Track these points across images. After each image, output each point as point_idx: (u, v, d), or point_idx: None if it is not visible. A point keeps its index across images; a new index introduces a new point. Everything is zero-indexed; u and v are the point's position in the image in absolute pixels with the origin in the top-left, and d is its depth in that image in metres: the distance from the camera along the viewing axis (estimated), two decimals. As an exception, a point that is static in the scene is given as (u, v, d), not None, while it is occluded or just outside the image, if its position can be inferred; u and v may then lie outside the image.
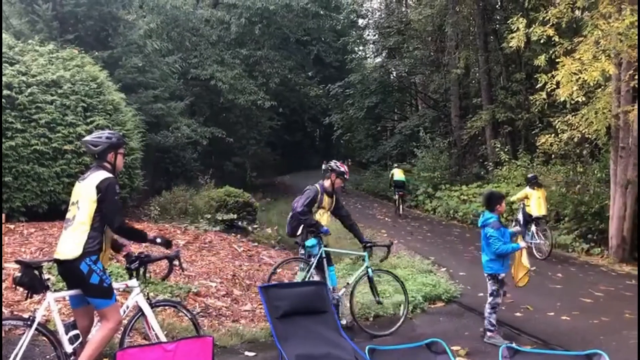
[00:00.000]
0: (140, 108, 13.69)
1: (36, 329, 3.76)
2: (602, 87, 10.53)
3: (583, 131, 10.71)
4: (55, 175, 9.66)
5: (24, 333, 3.78)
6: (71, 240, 3.89)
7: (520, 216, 11.72)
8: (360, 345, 4.19)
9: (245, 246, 10.21)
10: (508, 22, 12.03)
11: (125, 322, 4.23)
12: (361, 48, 35.70)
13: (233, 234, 11.13)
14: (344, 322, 5.85)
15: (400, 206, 18.48)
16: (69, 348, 3.84)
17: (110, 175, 4.04)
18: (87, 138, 4.32)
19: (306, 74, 32.28)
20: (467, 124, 21.74)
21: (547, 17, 10.22)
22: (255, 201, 13.56)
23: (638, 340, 5.49)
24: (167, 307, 5.47)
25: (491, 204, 5.85)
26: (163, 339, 4.25)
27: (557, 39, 10.19)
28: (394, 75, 29.18)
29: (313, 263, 6.05)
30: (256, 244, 10.88)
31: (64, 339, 3.84)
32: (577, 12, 11.31)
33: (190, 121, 18.85)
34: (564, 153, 14.01)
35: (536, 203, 11.23)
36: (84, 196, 3.95)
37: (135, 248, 6.14)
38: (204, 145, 20.15)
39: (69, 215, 4.04)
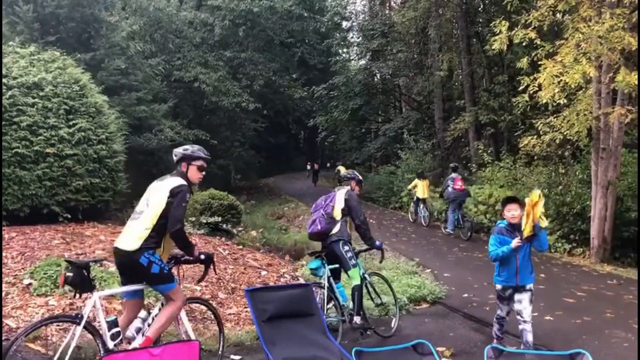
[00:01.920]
0: (124, 110, 13.59)
1: (84, 326, 3.94)
2: (583, 89, 10.67)
3: (565, 133, 10.84)
4: (36, 179, 9.54)
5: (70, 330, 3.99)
6: (133, 233, 4.14)
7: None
8: (346, 347, 4.20)
9: (230, 249, 10.17)
10: (490, 24, 12.14)
11: (155, 319, 4.36)
12: (345, 50, 35.78)
13: (217, 237, 11.08)
14: (357, 320, 5.76)
15: None
16: (110, 344, 4.03)
17: (184, 183, 4.30)
18: (179, 149, 4.53)
19: (290, 76, 32.26)
20: (450, 126, 21.90)
21: (529, 20, 10.32)
22: (239, 204, 13.50)
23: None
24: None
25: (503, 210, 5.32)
26: (192, 335, 4.47)
27: (539, 42, 10.29)
28: (378, 77, 29.29)
29: (325, 285, 5.70)
30: (241, 246, 10.84)
31: (107, 335, 4.04)
32: (559, 16, 11.44)
33: (173, 123, 18.75)
34: (546, 154, 14.16)
35: (421, 190, 16.37)
36: (157, 195, 4.24)
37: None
38: (188, 148, 20.04)
39: (137, 209, 4.31)
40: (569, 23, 10.27)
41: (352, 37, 32.86)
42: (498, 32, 10.60)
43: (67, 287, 5.58)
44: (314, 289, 5.23)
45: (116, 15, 15.65)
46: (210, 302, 5.59)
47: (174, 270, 4.44)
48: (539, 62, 10.15)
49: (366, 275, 6.28)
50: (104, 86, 12.42)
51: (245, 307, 6.73)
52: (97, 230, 9.48)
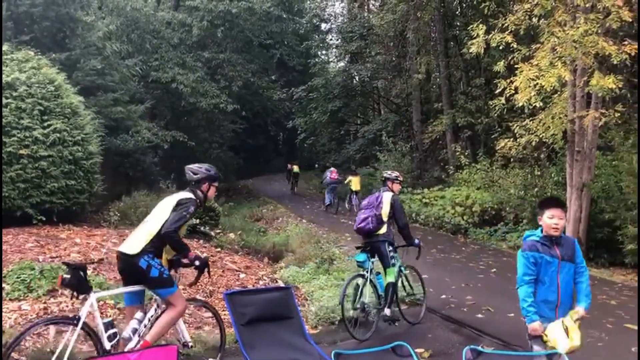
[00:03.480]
0: (100, 111, 13.40)
1: (81, 327, 4.06)
2: (558, 92, 10.83)
3: (540, 135, 10.99)
4: (10, 181, 9.35)
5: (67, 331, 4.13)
6: (136, 238, 4.37)
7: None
8: (325, 349, 4.19)
9: (208, 252, 10.09)
10: (468, 28, 12.26)
11: (151, 320, 4.46)
12: (324, 52, 35.80)
13: (195, 240, 10.99)
14: (387, 312, 6.35)
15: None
16: (107, 345, 4.14)
17: (193, 197, 4.57)
18: (191, 166, 4.79)
19: (269, 78, 32.16)
20: (428, 128, 22.08)
21: (506, 24, 10.45)
22: (217, 206, 13.41)
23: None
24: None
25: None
26: (188, 337, 4.71)
27: (515, 46, 10.43)
28: (357, 79, 29.35)
29: (368, 276, 6.34)
30: (219, 249, 10.76)
31: (104, 336, 4.15)
32: (534, 20, 11.60)
33: (150, 125, 18.55)
34: (522, 157, 14.35)
35: (354, 184, 20.47)
36: (165, 205, 4.49)
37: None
38: (165, 150, 19.87)
39: (147, 217, 4.56)
40: (545, 27, 10.43)
41: (331, 39, 32.91)
42: (475, 35, 10.71)
43: (61, 290, 5.73)
44: (356, 280, 6.31)
45: (92, 14, 15.42)
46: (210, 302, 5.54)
47: (173, 274, 4.54)
48: (516, 66, 10.28)
49: (402, 268, 6.83)
50: (80, 87, 12.23)
51: (224, 310, 6.68)
52: (72, 232, 9.33)
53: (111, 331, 4.20)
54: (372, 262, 6.48)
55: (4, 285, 6.13)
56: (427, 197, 18.13)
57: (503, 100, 10.77)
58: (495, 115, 14.38)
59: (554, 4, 10.09)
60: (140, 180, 17.12)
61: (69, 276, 4.10)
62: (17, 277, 6.19)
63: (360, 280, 6.35)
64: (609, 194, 11.36)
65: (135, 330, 4.35)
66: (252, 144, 34.99)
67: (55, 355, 3.99)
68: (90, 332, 4.18)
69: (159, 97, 21.55)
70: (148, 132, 17.22)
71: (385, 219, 6.53)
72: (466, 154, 18.44)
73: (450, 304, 7.75)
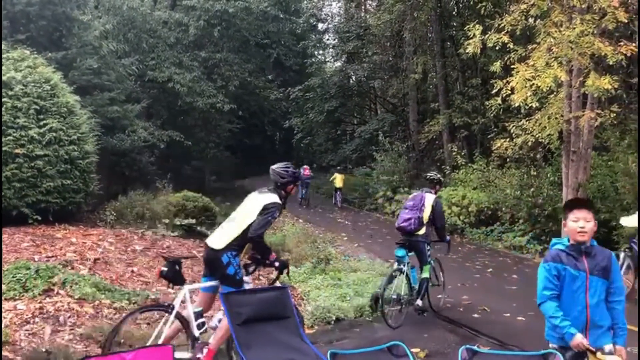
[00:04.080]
0: (96, 111, 13.36)
1: (174, 316, 4.47)
2: (555, 93, 10.85)
3: (536, 136, 11.01)
4: (5, 180, 9.32)
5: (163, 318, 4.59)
6: (224, 234, 4.69)
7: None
8: (321, 349, 4.19)
9: (204, 252, 10.07)
10: (464, 28, 12.28)
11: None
12: (321, 52, 35.82)
13: (192, 239, 10.97)
14: (420, 303, 6.85)
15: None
16: (196, 332, 4.52)
17: (279, 202, 4.82)
18: (277, 168, 5.05)
19: (266, 78, 32.16)
20: (424, 128, 22.11)
21: (502, 25, 10.46)
22: (214, 205, 13.39)
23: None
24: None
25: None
26: None
27: (511, 46, 10.44)
28: (354, 79, 29.40)
29: (406, 270, 6.80)
30: (216, 248, 10.74)
31: (194, 324, 4.52)
32: (531, 20, 11.62)
33: (147, 124, 18.50)
34: (519, 157, 14.38)
35: (339, 181, 22.80)
36: (252, 206, 4.76)
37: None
38: (162, 149, 19.83)
39: (233, 214, 4.87)
40: (541, 28, 10.44)
41: (327, 39, 32.98)
42: (472, 35, 10.72)
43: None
44: (394, 273, 6.73)
45: (88, 14, 15.37)
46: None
47: (243, 272, 4.82)
48: (512, 66, 10.29)
49: (431, 261, 7.21)
50: (76, 86, 12.20)
51: (220, 309, 6.67)
52: (68, 232, 9.31)
53: (200, 320, 4.56)
54: (409, 257, 6.94)
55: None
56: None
57: (499, 100, 10.78)
58: (492, 115, 14.41)
59: (550, 4, 10.11)
60: (136, 179, 17.09)
61: (166, 269, 4.53)
62: (13, 277, 6.16)
63: (397, 274, 6.79)
64: (604, 194, 11.39)
65: (220, 321, 4.68)
66: (248, 143, 34.98)
67: (151, 339, 4.41)
68: (182, 319, 4.56)
69: (156, 96, 21.50)
70: (144, 132, 17.18)
71: (425, 221, 6.94)
72: (462, 154, 18.45)
73: (446, 304, 7.76)
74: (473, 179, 16.76)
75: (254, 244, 4.73)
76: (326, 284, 8.33)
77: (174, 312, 4.46)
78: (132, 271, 7.61)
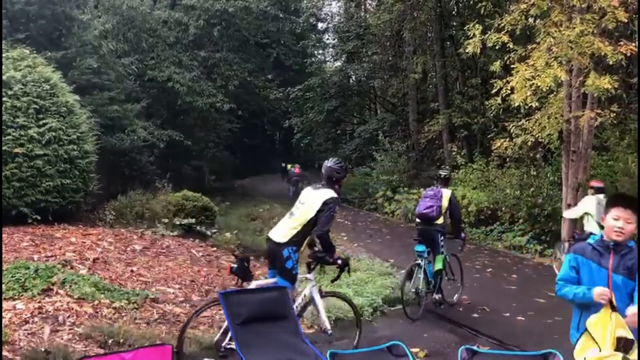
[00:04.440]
0: (95, 110, 13.34)
1: None
2: (554, 92, 10.85)
3: (536, 135, 11.01)
4: (5, 179, 9.31)
5: None
6: (286, 228, 4.95)
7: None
8: (321, 349, 4.18)
9: (204, 251, 10.07)
10: (464, 28, 12.28)
11: (299, 307, 5.09)
12: (321, 52, 35.80)
13: (191, 239, 10.96)
14: (437, 297, 7.23)
15: None
16: None
17: (336, 196, 5.04)
18: (331, 165, 5.22)
19: (266, 77, 32.12)
20: (424, 128, 22.11)
21: (502, 24, 10.46)
22: (214, 205, 13.38)
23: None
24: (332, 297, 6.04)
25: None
26: (328, 326, 5.18)
27: (511, 46, 10.44)
28: (353, 79, 29.38)
29: (423, 264, 7.15)
30: (215, 248, 10.74)
31: None
32: (531, 20, 11.62)
33: (146, 124, 18.48)
34: (518, 157, 14.39)
35: None
36: (311, 202, 4.97)
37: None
38: (161, 149, 19.81)
39: (293, 210, 5.09)
40: (541, 27, 10.44)
41: (327, 39, 32.99)
42: (472, 35, 10.72)
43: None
44: (414, 267, 7.09)
45: (88, 13, 15.35)
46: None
47: (317, 267, 5.18)
48: (512, 66, 10.29)
49: (447, 256, 7.50)
50: (76, 85, 12.18)
51: (219, 310, 6.67)
52: (67, 232, 9.30)
53: None
54: (428, 252, 7.25)
55: (-2, 284, 6.11)
56: (424, 197, 18.14)
57: (499, 100, 10.78)
58: (492, 115, 14.40)
59: (550, 4, 10.11)
60: (136, 179, 17.08)
61: (235, 266, 4.87)
62: (12, 276, 6.15)
63: (416, 268, 7.15)
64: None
65: None
66: (248, 143, 34.97)
67: (221, 330, 4.77)
68: None
69: (155, 96, 21.47)
70: (144, 131, 17.16)
71: (443, 211, 7.26)
72: (462, 153, 18.46)
73: (445, 304, 7.76)
74: (473, 179, 16.76)
75: (321, 241, 4.98)
76: (325, 283, 8.29)
77: None
78: (132, 271, 7.60)
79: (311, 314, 6.70)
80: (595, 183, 9.55)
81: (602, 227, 8.05)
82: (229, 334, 4.48)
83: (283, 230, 4.96)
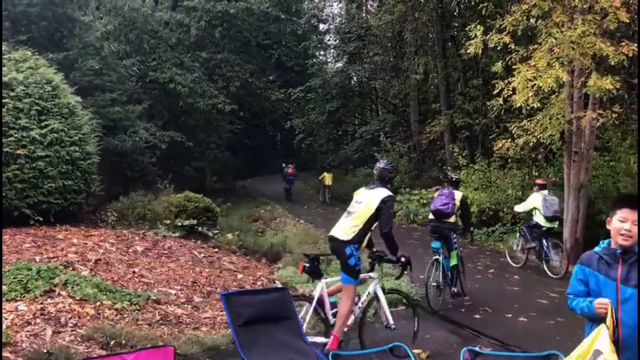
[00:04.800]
0: (97, 111, 13.37)
1: (314, 304, 5.08)
2: (556, 93, 10.83)
3: (538, 136, 10.99)
4: (7, 181, 9.34)
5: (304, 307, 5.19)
6: (346, 227, 5.15)
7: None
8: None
9: (205, 252, 10.08)
10: (466, 29, 12.26)
11: (364, 303, 5.39)
12: (322, 53, 35.79)
13: (193, 240, 10.97)
14: (454, 289, 7.75)
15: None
16: (331, 320, 5.13)
17: (391, 194, 5.29)
18: (383, 166, 5.55)
19: (267, 78, 32.11)
20: (426, 128, 22.09)
21: (504, 25, 10.45)
22: (215, 206, 13.40)
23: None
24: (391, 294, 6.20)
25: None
26: (391, 320, 5.37)
27: (513, 47, 10.43)
28: (355, 80, 29.35)
29: (441, 260, 7.62)
30: (217, 249, 10.75)
31: (329, 313, 5.16)
32: (532, 21, 11.61)
33: (148, 125, 18.51)
34: (520, 157, 14.36)
35: (327, 179, 24.64)
36: (369, 201, 5.17)
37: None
38: (163, 150, 19.82)
39: (350, 209, 5.32)
40: (543, 28, 10.43)
41: (329, 40, 32.92)
42: (473, 36, 10.71)
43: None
44: (433, 263, 7.59)
45: (90, 14, 15.39)
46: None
47: (377, 266, 5.45)
48: (513, 66, 10.28)
49: (458, 251, 7.98)
50: (77, 87, 12.21)
51: (221, 311, 6.67)
52: (69, 233, 9.31)
53: (335, 310, 5.16)
54: (444, 248, 7.73)
55: (0, 285, 6.11)
56: (425, 198, 18.13)
57: (501, 100, 10.77)
58: (493, 115, 14.38)
59: (551, 4, 10.10)
60: (137, 180, 17.09)
61: (308, 265, 5.20)
62: (14, 278, 6.16)
63: (435, 263, 7.66)
64: (606, 194, 11.37)
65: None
66: (249, 144, 34.94)
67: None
68: (319, 309, 5.15)
69: (157, 97, 21.49)
70: (146, 133, 17.19)
71: (455, 210, 7.82)
72: (464, 154, 18.43)
73: (447, 305, 7.75)
74: (474, 180, 16.73)
75: (386, 239, 5.21)
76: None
77: (314, 302, 5.06)
78: (134, 272, 7.61)
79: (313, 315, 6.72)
80: (539, 181, 11.00)
81: (548, 220, 9.75)
82: (305, 326, 4.84)
83: (345, 229, 5.16)
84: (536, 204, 10.25)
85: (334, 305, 5.21)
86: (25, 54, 10.71)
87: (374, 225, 5.16)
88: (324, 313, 5.18)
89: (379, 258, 5.42)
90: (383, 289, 5.58)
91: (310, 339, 4.64)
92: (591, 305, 2.85)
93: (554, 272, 9.89)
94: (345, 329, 5.11)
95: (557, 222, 10.32)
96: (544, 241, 10.16)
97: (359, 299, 5.32)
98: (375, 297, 5.48)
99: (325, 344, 4.95)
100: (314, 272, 5.24)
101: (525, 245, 10.68)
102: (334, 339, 4.93)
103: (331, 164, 28.71)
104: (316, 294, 5.14)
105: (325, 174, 25.39)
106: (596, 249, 3.01)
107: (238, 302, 4.00)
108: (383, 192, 5.19)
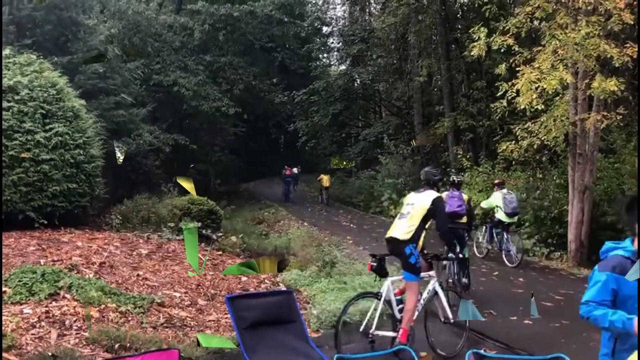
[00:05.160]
0: (101, 115, 13.41)
1: (383, 301, 5.34)
2: (560, 95, 10.82)
3: (542, 138, 10.98)
4: (12, 184, 9.37)
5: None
6: (404, 228, 5.44)
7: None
8: (327, 353, 4.17)
9: (209, 255, 10.08)
10: (469, 31, 12.25)
11: (425, 300, 5.68)
12: (325, 55, 35.84)
13: (197, 243, 10.97)
14: (465, 280, 8.25)
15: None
16: (398, 315, 5.43)
17: (440, 195, 5.68)
18: (429, 170, 6.04)
19: (271, 81, 32.18)
20: (429, 131, 22.04)
21: (507, 27, 10.45)
22: (219, 209, 13.40)
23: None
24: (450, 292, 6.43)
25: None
26: (450, 315, 5.68)
27: (516, 48, 10.43)
28: (358, 82, 29.37)
29: (453, 258, 7.74)
30: (221, 252, 10.76)
31: (396, 309, 5.46)
32: (536, 23, 11.60)
33: (152, 128, 18.57)
34: (524, 159, 14.31)
35: (325, 181, 25.09)
36: (421, 203, 5.50)
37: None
38: (167, 153, 19.87)
39: (403, 211, 5.65)
40: (546, 30, 10.43)
41: (332, 43, 32.96)
42: (477, 38, 10.72)
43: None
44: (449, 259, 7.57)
45: (94, 18, 15.46)
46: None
47: (433, 266, 5.84)
48: (517, 69, 10.28)
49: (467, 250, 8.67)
50: (82, 90, 12.25)
51: (225, 314, 6.67)
52: (74, 236, 9.33)
53: (401, 305, 5.46)
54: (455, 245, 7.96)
55: (6, 289, 6.13)
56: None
57: (505, 103, 10.76)
58: (497, 118, 14.35)
59: (555, 6, 10.09)
60: (142, 183, 17.11)
61: (375, 264, 5.49)
62: (19, 281, 6.17)
63: (449, 263, 8.12)
64: (611, 196, 11.33)
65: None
66: (253, 147, 35.00)
67: (365, 320, 5.26)
68: (387, 305, 5.42)
69: (161, 100, 21.55)
70: (150, 136, 17.23)
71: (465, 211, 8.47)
72: (468, 156, 18.41)
73: (453, 307, 7.73)
74: (478, 182, 16.70)
75: (444, 238, 5.95)
76: (332, 287, 8.29)
77: (382, 299, 5.32)
78: (138, 275, 7.62)
79: (317, 317, 6.72)
80: (497, 181, 11.94)
81: (509, 216, 10.67)
82: (375, 321, 5.23)
83: (402, 229, 5.44)
84: (497, 202, 10.98)
85: (399, 301, 5.53)
86: (30, 57, 10.75)
87: (427, 224, 5.56)
88: (391, 309, 5.49)
89: (435, 257, 5.87)
90: (442, 286, 5.90)
91: (380, 333, 5.28)
92: (630, 322, 2.54)
93: (510, 262, 10.94)
94: (412, 324, 5.40)
95: (516, 217, 11.36)
96: (505, 235, 11.05)
97: (420, 295, 5.61)
98: (435, 294, 5.79)
99: (394, 338, 5.28)
100: (381, 271, 5.53)
101: (489, 243, 11.78)
102: (403, 331, 5.22)
103: (335, 167, 28.80)
104: (384, 291, 5.41)
105: (323, 176, 26.05)
106: (620, 252, 2.73)
107: (243, 305, 4.00)
108: (432, 194, 5.54)
